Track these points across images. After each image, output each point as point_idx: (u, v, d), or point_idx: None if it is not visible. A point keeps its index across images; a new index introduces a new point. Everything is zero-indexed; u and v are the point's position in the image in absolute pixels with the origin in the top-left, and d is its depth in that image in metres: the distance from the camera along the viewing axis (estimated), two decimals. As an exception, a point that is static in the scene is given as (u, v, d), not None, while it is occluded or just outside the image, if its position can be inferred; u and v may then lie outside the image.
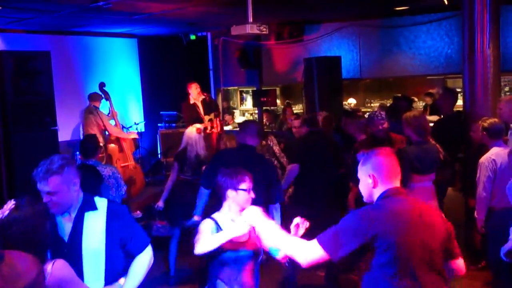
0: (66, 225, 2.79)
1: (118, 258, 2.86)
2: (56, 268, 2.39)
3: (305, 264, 2.64)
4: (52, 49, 6.61)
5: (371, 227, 2.51)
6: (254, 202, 4.19)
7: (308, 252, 2.61)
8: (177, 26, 10.40)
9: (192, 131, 5.83)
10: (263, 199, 4.20)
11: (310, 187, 5.37)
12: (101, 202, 2.88)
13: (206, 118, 8.53)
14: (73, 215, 2.80)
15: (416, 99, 10.45)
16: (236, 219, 3.28)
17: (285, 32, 10.48)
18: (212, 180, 4.34)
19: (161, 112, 10.99)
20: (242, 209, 3.27)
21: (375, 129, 5.21)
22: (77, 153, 7.93)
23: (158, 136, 10.71)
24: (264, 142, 6.82)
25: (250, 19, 6.55)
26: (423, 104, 10.88)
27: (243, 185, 3.33)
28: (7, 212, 2.35)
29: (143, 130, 11.03)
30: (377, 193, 2.67)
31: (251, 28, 6.49)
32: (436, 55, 9.59)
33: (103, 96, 8.49)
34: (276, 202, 4.29)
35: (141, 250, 2.92)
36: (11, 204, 2.40)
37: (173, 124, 10.57)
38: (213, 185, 4.34)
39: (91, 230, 2.77)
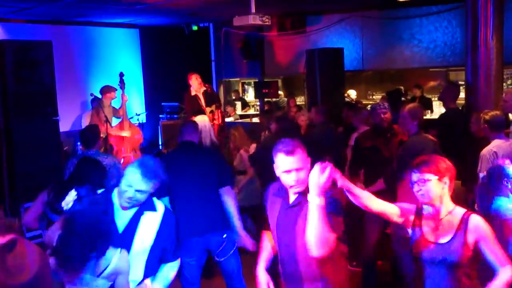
0: (123, 218, 2.87)
1: (157, 259, 3.00)
2: (121, 257, 2.57)
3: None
4: (53, 39, 6.59)
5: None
6: (207, 189, 4.16)
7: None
8: (179, 17, 10.37)
9: (204, 119, 5.75)
10: (215, 186, 4.22)
11: None
12: (160, 205, 2.99)
13: (208, 110, 8.51)
14: (132, 211, 2.88)
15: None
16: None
17: (288, 23, 10.45)
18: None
19: (162, 103, 10.99)
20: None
21: (377, 119, 5.15)
22: (78, 143, 7.92)
23: (159, 127, 10.71)
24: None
25: (253, 10, 6.53)
26: (411, 96, 10.83)
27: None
28: (71, 204, 2.41)
29: (144, 121, 11.01)
30: None
31: (254, 19, 6.46)
32: (439, 47, 9.54)
33: (117, 87, 8.42)
34: (224, 186, 4.21)
35: (174, 258, 3.07)
36: (73, 195, 2.47)
37: (175, 115, 10.57)
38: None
39: (145, 230, 2.88)
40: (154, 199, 2.99)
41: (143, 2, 8.04)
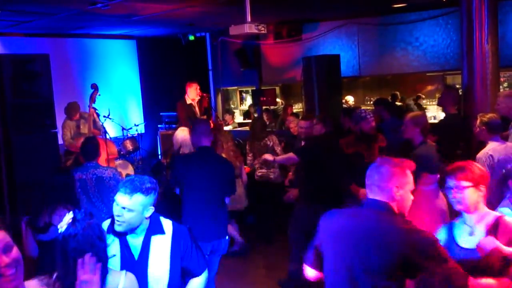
0: (135, 245, 2.86)
1: (179, 277, 2.96)
2: (128, 279, 2.49)
3: None
4: (51, 52, 6.59)
5: None
6: (216, 196, 4.42)
7: None
8: (175, 27, 10.41)
9: (185, 133, 5.55)
10: (222, 194, 4.53)
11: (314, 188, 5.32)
12: (167, 224, 2.93)
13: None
14: (141, 236, 2.86)
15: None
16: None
17: (284, 31, 10.49)
18: None
19: (161, 113, 11.01)
20: None
21: (367, 126, 5.28)
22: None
23: (158, 137, 10.74)
24: (262, 142, 6.88)
25: (248, 19, 6.56)
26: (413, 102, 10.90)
27: None
28: (65, 226, 2.35)
29: (143, 131, 11.04)
30: None
31: (250, 28, 6.50)
32: (435, 52, 9.59)
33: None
34: (230, 195, 4.59)
35: (199, 273, 3.02)
36: (69, 217, 2.39)
37: (173, 125, 10.57)
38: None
39: (157, 254, 2.85)
40: (161, 218, 2.94)
41: (139, 13, 8.08)
